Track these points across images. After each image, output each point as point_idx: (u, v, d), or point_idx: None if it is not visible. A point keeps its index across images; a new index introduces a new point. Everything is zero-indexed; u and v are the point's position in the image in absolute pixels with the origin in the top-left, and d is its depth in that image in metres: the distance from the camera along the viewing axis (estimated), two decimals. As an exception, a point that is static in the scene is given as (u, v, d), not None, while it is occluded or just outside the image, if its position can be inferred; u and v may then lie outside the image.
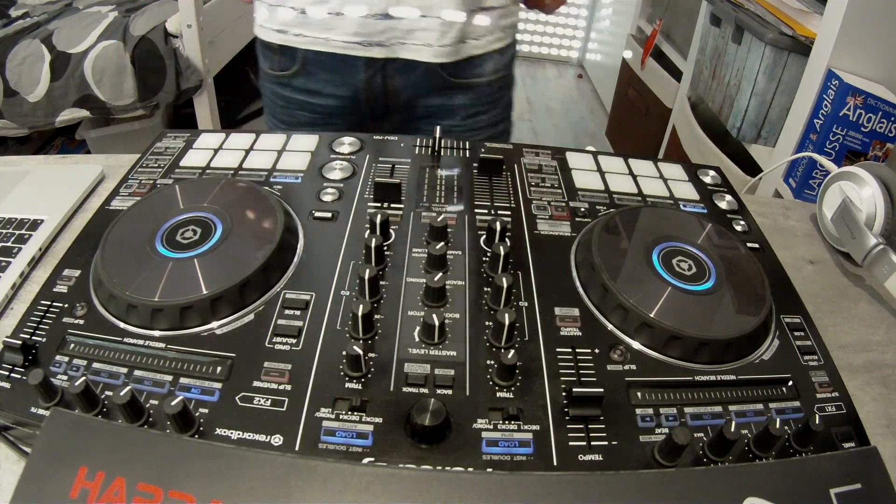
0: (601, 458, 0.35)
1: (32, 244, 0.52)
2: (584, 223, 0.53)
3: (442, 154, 0.61)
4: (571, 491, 0.27)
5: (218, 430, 0.34)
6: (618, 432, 0.36)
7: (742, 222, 0.56)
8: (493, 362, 0.39)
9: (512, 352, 0.37)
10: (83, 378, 0.34)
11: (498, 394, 0.37)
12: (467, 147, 0.63)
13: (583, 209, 0.54)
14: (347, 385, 0.37)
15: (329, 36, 0.73)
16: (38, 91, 1.58)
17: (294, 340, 0.40)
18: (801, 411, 0.39)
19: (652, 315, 0.41)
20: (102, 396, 0.35)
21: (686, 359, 0.41)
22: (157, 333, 0.40)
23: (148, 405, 0.35)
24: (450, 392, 0.37)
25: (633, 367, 0.40)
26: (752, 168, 1.28)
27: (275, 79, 0.80)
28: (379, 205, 0.53)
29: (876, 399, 0.47)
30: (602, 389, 0.37)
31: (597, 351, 0.41)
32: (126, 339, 0.39)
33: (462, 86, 0.78)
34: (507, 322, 0.39)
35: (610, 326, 0.43)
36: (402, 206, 0.53)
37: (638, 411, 0.37)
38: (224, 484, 0.26)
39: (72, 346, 0.39)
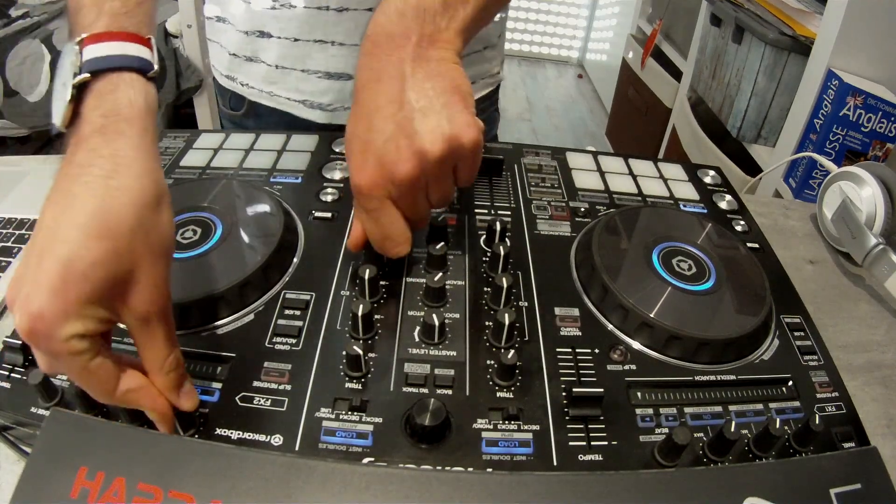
0: (601, 458, 0.35)
1: (32, 244, 0.52)
2: (584, 223, 0.53)
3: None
4: (571, 491, 0.27)
5: (218, 430, 0.34)
6: (618, 432, 0.36)
7: (742, 222, 0.56)
8: (493, 362, 0.39)
9: (512, 352, 0.37)
10: (83, 378, 0.34)
11: (498, 394, 0.37)
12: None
13: (583, 209, 0.54)
14: (347, 385, 0.37)
15: (273, 90, 0.68)
16: (39, 91, 1.57)
17: (294, 340, 0.40)
18: (801, 411, 0.39)
19: (652, 315, 0.41)
20: (102, 396, 0.35)
21: (686, 359, 0.41)
22: (157, 333, 0.39)
23: (148, 405, 0.35)
24: (450, 392, 0.37)
25: (633, 367, 0.40)
26: (752, 168, 1.28)
27: (228, 116, 0.76)
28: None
29: (876, 399, 0.47)
30: (602, 389, 0.37)
31: (597, 351, 0.41)
32: (126, 339, 0.39)
33: None
34: (507, 322, 0.39)
35: (610, 326, 0.43)
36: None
37: (638, 411, 0.37)
38: (224, 484, 0.26)
39: (72, 346, 0.39)
